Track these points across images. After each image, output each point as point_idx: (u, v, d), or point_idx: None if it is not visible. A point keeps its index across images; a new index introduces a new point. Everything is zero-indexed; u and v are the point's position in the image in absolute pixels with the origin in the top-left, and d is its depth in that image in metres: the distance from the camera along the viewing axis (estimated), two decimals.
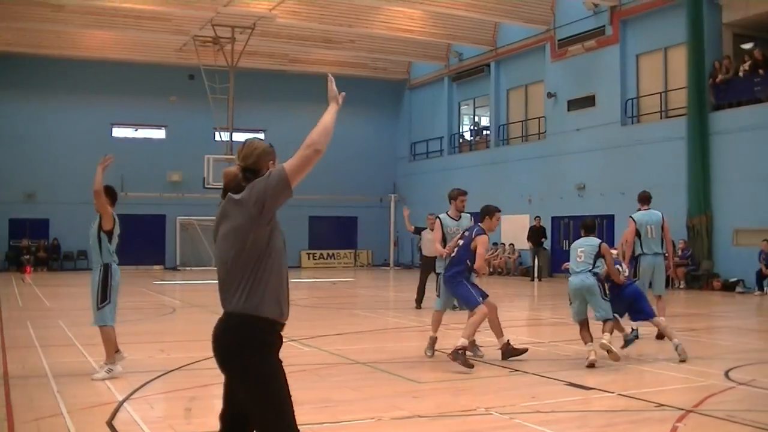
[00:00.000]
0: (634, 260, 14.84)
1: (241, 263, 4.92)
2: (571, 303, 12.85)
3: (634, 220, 14.97)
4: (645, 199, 15.36)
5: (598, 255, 12.53)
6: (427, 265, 20.22)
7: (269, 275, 4.95)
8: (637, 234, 14.84)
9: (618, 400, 9.48)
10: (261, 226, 4.91)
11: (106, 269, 11.06)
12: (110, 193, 11.33)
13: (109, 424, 8.32)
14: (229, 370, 5.07)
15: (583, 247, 12.74)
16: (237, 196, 5.05)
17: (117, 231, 11.27)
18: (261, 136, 46.31)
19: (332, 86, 5.31)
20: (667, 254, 15.12)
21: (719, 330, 13.48)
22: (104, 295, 11.02)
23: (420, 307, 20.97)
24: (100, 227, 11.08)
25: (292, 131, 47.29)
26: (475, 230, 12.22)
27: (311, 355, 12.98)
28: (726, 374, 11.11)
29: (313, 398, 9.59)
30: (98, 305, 11.01)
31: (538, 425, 8.25)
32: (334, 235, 48.75)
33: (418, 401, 9.36)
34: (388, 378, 10.93)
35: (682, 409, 8.87)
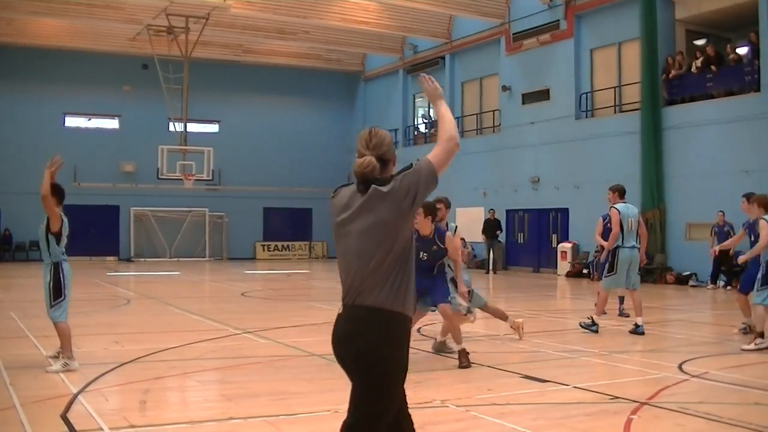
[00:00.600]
0: (610, 253, 14.88)
1: (392, 258, 4.77)
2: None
3: (618, 210, 14.81)
4: (623, 192, 15.29)
5: None
6: None
7: (411, 271, 4.84)
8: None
9: (573, 392, 9.53)
10: (409, 220, 4.83)
11: (57, 268, 10.98)
12: (58, 193, 11.24)
13: (63, 416, 8.23)
14: (364, 362, 4.86)
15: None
16: (384, 189, 4.95)
17: (65, 231, 11.18)
18: (215, 127, 46.26)
19: (428, 84, 5.17)
20: (640, 248, 15.10)
21: (673, 323, 13.60)
22: (57, 293, 10.92)
23: None
24: (48, 228, 10.99)
25: (246, 122, 47.73)
26: None
27: (267, 348, 12.94)
28: (679, 367, 11.21)
29: (269, 390, 9.58)
30: (51, 303, 10.92)
31: (494, 417, 8.28)
32: (289, 226, 48.64)
33: None
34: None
35: (636, 402, 8.94)
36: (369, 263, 4.79)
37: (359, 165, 5.05)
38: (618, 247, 14.69)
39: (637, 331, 14.26)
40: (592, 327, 14.48)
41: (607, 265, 14.84)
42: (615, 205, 14.91)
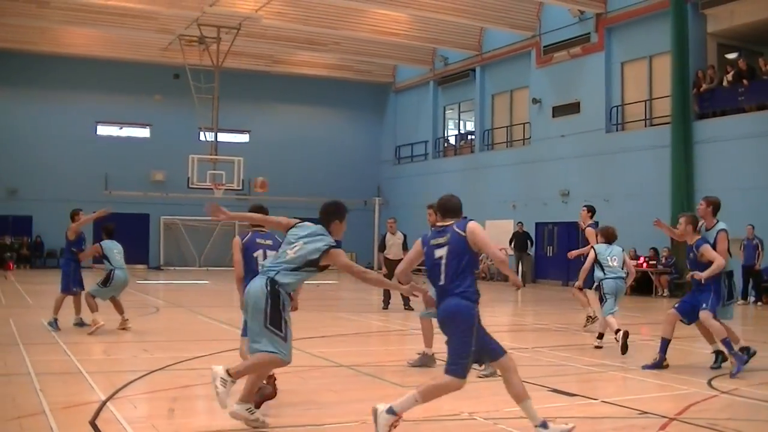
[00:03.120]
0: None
1: None
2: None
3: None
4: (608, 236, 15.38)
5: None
6: (390, 268, 20.69)
7: None
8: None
9: (601, 407, 9.49)
10: None
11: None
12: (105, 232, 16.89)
13: (92, 423, 8.28)
14: None
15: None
16: None
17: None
18: (245, 137, 46.42)
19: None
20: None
21: (702, 338, 13.50)
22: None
23: (387, 308, 22.12)
24: None
25: (276, 132, 47.88)
26: None
27: (295, 358, 12.78)
28: (709, 383, 11.14)
29: (297, 401, 9.59)
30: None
31: (522, 431, 8.26)
32: None
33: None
34: (372, 381, 10.93)
35: (665, 417, 8.89)
36: None
37: None
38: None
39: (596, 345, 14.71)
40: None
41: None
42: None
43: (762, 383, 11.37)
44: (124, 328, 16.17)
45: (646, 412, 9.02)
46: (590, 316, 17.55)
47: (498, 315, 22.94)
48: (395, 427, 7.48)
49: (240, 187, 40.48)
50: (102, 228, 17.11)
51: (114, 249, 16.58)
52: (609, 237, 15.13)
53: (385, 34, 40.56)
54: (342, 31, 39.95)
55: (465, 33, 41.48)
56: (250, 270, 9.87)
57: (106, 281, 16.28)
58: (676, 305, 12.65)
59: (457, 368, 7.68)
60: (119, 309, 16.45)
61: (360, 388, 10.53)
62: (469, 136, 45.27)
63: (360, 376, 11.41)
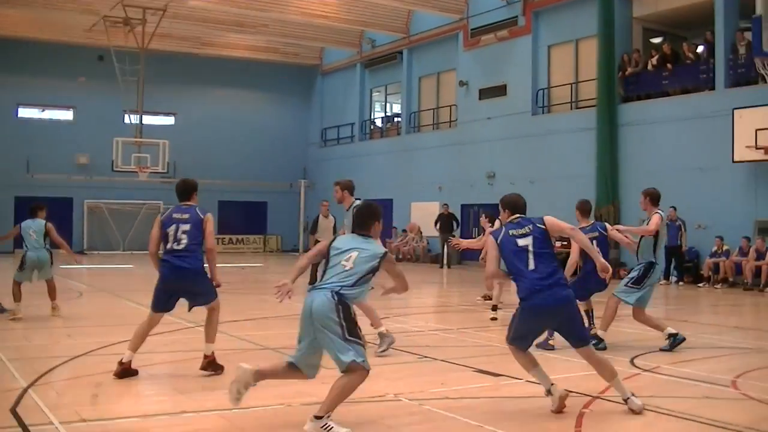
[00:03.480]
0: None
1: None
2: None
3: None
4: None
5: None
6: None
7: None
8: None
9: (526, 386, 9.53)
10: None
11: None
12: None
13: (13, 411, 8.12)
14: None
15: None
16: None
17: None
18: (171, 119, 45.95)
19: None
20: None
21: (625, 318, 13.63)
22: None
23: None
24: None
25: (202, 115, 47.43)
26: None
27: (220, 341, 12.78)
28: (631, 361, 11.31)
29: (223, 384, 9.48)
30: None
31: (448, 411, 8.29)
32: (244, 220, 48.36)
33: (327, 387, 9.23)
34: None
35: (588, 396, 9.00)
36: None
37: None
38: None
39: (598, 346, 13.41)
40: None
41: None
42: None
43: (682, 361, 11.56)
44: (54, 315, 15.93)
45: (570, 391, 9.05)
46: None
47: (424, 296, 23.01)
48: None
49: (165, 170, 40.08)
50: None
51: (30, 229, 16.04)
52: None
53: (312, 17, 40.35)
54: (270, 13, 39.70)
55: (393, 15, 41.47)
56: (164, 244, 10.20)
57: (22, 264, 15.98)
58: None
59: None
60: (51, 294, 16.16)
61: None
62: (396, 119, 45.33)
63: (285, 358, 11.35)
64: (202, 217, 10.45)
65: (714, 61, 27.56)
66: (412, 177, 40.08)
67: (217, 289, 10.51)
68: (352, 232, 8.06)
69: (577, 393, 9.06)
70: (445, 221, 35.26)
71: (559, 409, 8.28)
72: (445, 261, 34.89)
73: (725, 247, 26.00)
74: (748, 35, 25.34)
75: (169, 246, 10.24)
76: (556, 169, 31.86)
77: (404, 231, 39.82)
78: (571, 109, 33.12)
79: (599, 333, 12.73)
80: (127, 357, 9.97)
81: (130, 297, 20.23)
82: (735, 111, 25.61)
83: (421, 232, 38.76)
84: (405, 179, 40.30)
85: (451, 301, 22.55)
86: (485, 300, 19.00)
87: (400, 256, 37.87)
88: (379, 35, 43.90)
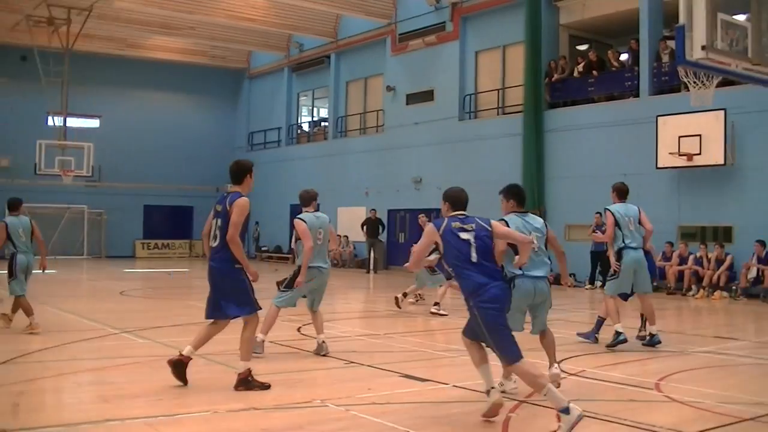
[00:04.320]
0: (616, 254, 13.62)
1: None
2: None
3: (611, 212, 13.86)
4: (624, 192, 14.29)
5: None
6: None
7: None
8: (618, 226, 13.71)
9: (452, 391, 9.56)
10: None
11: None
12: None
13: None
14: None
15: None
16: None
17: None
18: (96, 122, 45.40)
19: None
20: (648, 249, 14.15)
21: (551, 323, 13.65)
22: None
23: None
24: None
25: (128, 117, 46.90)
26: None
27: (146, 347, 12.72)
28: (558, 365, 11.35)
29: (148, 391, 9.39)
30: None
31: (374, 416, 8.25)
32: (170, 224, 47.99)
33: (254, 393, 9.25)
34: (224, 370, 10.77)
35: (514, 400, 9.02)
36: None
37: None
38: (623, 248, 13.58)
39: (653, 341, 13.48)
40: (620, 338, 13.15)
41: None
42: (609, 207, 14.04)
43: (606, 365, 11.65)
44: (32, 332, 13.99)
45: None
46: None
47: (351, 302, 22.99)
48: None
49: (90, 174, 39.61)
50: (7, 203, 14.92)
51: (18, 228, 14.46)
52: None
53: (240, 20, 40.12)
54: (197, 15, 39.40)
55: (321, 19, 41.39)
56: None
57: (12, 270, 14.37)
58: None
59: None
60: (23, 309, 14.48)
61: (211, 378, 10.37)
62: (323, 123, 45.30)
63: (211, 364, 11.24)
64: (229, 207, 9.83)
65: (639, 69, 27.90)
66: (339, 182, 40.05)
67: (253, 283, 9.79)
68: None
69: (504, 397, 9.07)
70: (372, 226, 35.25)
71: (489, 415, 8.26)
72: (371, 266, 34.89)
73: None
74: (672, 44, 25.68)
75: (210, 243, 9.85)
76: (482, 174, 31.98)
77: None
78: (498, 114, 33.29)
79: (617, 328, 13.09)
80: (187, 351, 9.76)
81: (53, 303, 19.88)
82: (659, 118, 25.93)
83: (347, 238, 38.71)
84: (332, 184, 40.23)
85: (378, 306, 22.51)
86: (437, 310, 18.76)
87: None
88: (307, 39, 43.81)
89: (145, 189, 44.09)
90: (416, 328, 15.68)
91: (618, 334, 12.98)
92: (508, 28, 32.60)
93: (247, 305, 9.73)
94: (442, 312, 18.10)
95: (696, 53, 10.47)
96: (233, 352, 11.54)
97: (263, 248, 45.32)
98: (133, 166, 45.14)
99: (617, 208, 13.84)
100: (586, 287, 27.22)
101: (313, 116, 47.31)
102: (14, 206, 14.59)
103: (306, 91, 46.38)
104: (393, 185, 37.12)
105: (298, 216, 12.22)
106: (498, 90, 33.35)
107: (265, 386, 9.48)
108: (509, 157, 31.04)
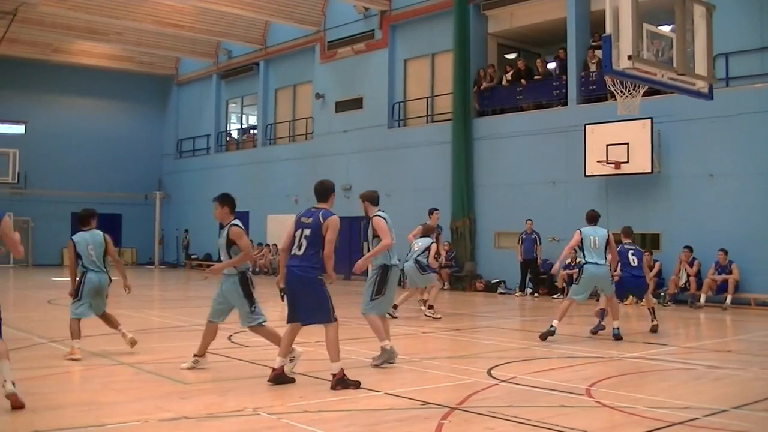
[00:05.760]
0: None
1: None
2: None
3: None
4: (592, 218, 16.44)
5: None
6: None
7: None
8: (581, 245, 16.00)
9: (385, 398, 9.56)
10: None
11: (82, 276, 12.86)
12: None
13: None
14: None
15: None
16: None
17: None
18: (21, 128, 44.77)
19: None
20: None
21: (482, 329, 13.80)
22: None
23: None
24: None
25: (55, 124, 46.39)
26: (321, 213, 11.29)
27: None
28: (488, 372, 11.41)
29: (77, 401, 9.29)
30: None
31: (306, 425, 8.23)
32: None
33: (185, 402, 9.19)
34: (154, 379, 10.70)
35: (447, 407, 9.03)
36: None
37: None
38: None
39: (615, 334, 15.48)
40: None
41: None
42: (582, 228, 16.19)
43: (538, 371, 11.74)
44: (133, 344, 13.08)
45: (428, 403, 9.13)
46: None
47: (280, 309, 22.87)
48: None
49: (15, 181, 39.07)
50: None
51: (87, 244, 12.96)
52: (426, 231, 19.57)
53: (168, 26, 39.84)
54: (124, 20, 38.98)
55: (249, 26, 41.26)
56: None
57: (78, 291, 12.89)
58: None
59: None
60: (113, 323, 13.49)
61: (142, 387, 10.28)
62: (252, 131, 45.18)
63: (141, 374, 11.15)
64: (322, 222, 10.94)
65: (566, 78, 28.19)
66: (268, 189, 39.96)
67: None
68: None
69: (436, 404, 9.10)
70: None
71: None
72: None
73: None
74: (599, 53, 25.96)
75: (292, 251, 10.64)
76: (412, 182, 32.12)
77: (260, 245, 39.59)
78: (427, 122, 33.43)
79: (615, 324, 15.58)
80: (278, 363, 10.48)
81: None
82: (587, 126, 26.22)
83: (276, 246, 38.53)
84: (261, 191, 40.11)
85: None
86: (429, 311, 18.85)
87: (257, 269, 37.61)
88: (235, 46, 43.67)
89: (73, 196, 43.55)
90: (348, 336, 15.66)
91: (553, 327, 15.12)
92: (436, 37, 32.76)
93: (326, 313, 10.61)
94: (436, 316, 18.33)
95: (623, 63, 10.66)
96: (163, 361, 11.48)
97: (193, 256, 45.01)
98: (60, 173, 44.65)
99: (586, 230, 16.08)
100: (516, 294, 27.42)
101: (242, 123, 47.12)
102: (84, 220, 13.16)
103: (235, 99, 46.21)
104: None
105: (377, 213, 13.38)
106: (427, 98, 33.50)
107: (358, 384, 10.19)
108: (438, 165, 31.18)
